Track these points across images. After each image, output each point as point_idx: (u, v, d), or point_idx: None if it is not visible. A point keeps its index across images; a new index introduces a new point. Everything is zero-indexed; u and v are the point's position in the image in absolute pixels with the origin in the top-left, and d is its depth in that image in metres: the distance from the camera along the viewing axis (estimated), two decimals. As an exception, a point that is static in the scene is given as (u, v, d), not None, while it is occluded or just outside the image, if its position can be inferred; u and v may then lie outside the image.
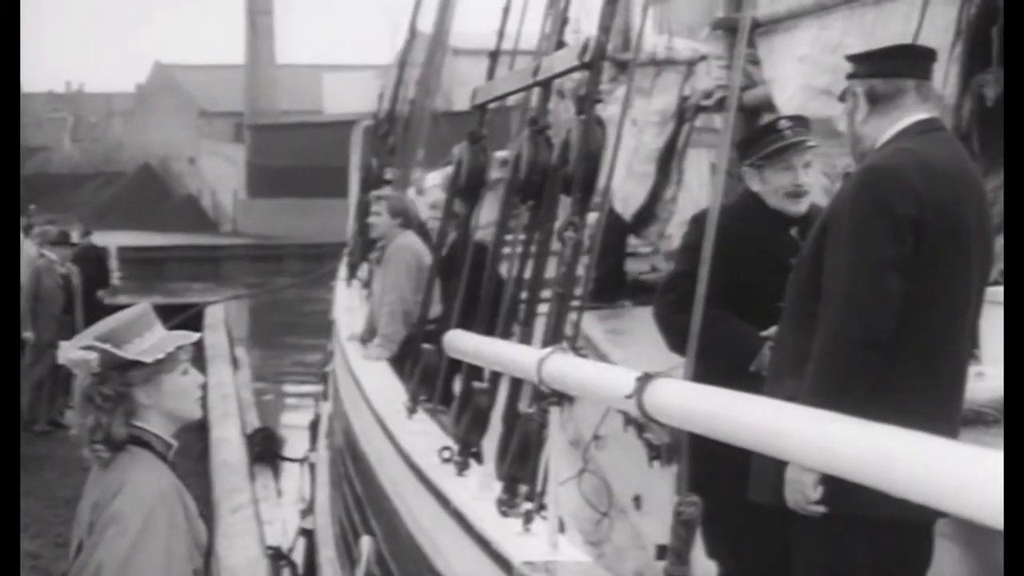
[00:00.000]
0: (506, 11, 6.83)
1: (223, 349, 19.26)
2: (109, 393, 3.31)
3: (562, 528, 3.50)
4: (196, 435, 13.50)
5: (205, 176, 59.56)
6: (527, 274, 4.62)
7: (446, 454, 4.50)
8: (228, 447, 12.96)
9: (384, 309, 7.63)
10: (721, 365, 3.78)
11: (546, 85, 4.87)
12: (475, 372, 4.70)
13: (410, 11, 13.10)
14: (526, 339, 4.42)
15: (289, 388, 20.58)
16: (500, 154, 7.38)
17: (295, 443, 13.54)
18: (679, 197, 8.88)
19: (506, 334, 4.67)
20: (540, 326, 4.26)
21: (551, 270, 4.41)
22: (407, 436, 5.14)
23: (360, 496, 6.33)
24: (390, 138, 12.53)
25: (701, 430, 2.35)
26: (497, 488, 3.84)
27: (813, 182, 4.47)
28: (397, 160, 12.44)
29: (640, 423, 5.46)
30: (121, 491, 3.27)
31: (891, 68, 3.60)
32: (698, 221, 4.42)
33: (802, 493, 3.37)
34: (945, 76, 4.84)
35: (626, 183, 8.59)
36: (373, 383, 6.66)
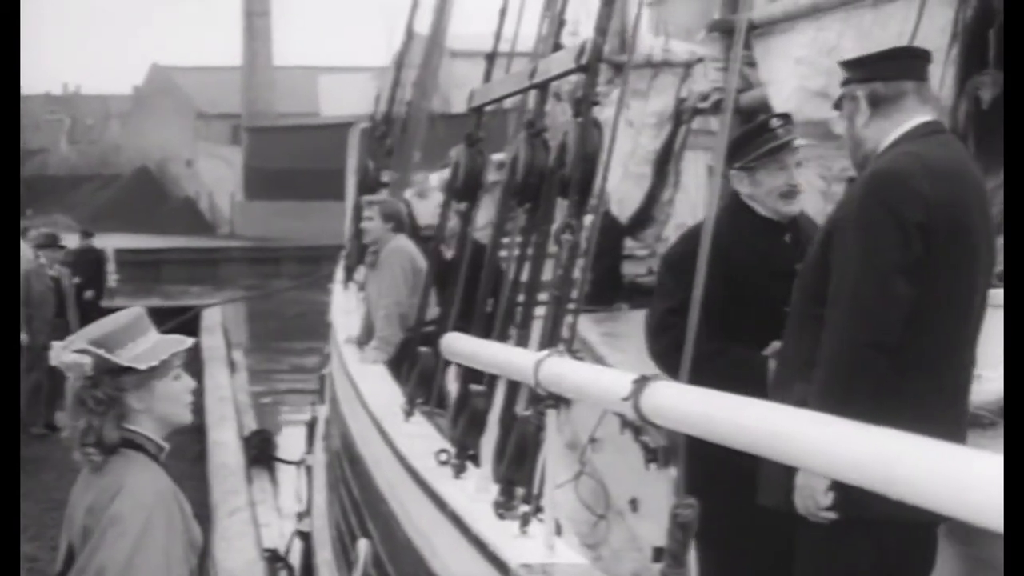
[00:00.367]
0: (503, 13, 6.83)
1: (220, 352, 19.25)
2: (101, 397, 3.31)
3: (559, 531, 3.50)
4: (193, 438, 13.50)
5: (202, 178, 59.53)
6: (524, 277, 4.62)
7: (443, 457, 4.50)
8: (225, 450, 12.96)
9: (380, 313, 7.66)
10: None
11: (543, 87, 4.87)
12: (472, 374, 4.70)
13: (407, 13, 13.11)
14: (523, 342, 4.41)
15: (286, 391, 20.57)
16: (497, 156, 7.38)
17: (292, 445, 13.54)
18: (676, 199, 8.88)
19: (503, 337, 4.66)
20: (537, 329, 4.26)
21: (548, 272, 4.41)
22: (404, 439, 5.14)
23: (357, 499, 6.33)
24: (387, 140, 12.53)
25: (698, 432, 2.35)
26: (494, 491, 3.84)
27: (805, 182, 4.47)
28: (394, 162, 12.44)
29: (637, 426, 5.45)
30: (119, 493, 3.28)
31: (892, 70, 3.59)
32: (684, 238, 4.38)
33: (813, 499, 3.37)
34: (941, 78, 4.83)
35: (622, 185, 8.60)
36: (370, 386, 6.66)
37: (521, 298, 4.66)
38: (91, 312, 13.39)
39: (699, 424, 2.34)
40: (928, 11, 4.99)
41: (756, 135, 4.32)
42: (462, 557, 3.74)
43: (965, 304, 3.47)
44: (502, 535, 3.57)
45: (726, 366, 3.96)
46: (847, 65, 3.71)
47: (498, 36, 6.77)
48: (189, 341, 3.52)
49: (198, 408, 14.66)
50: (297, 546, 9.92)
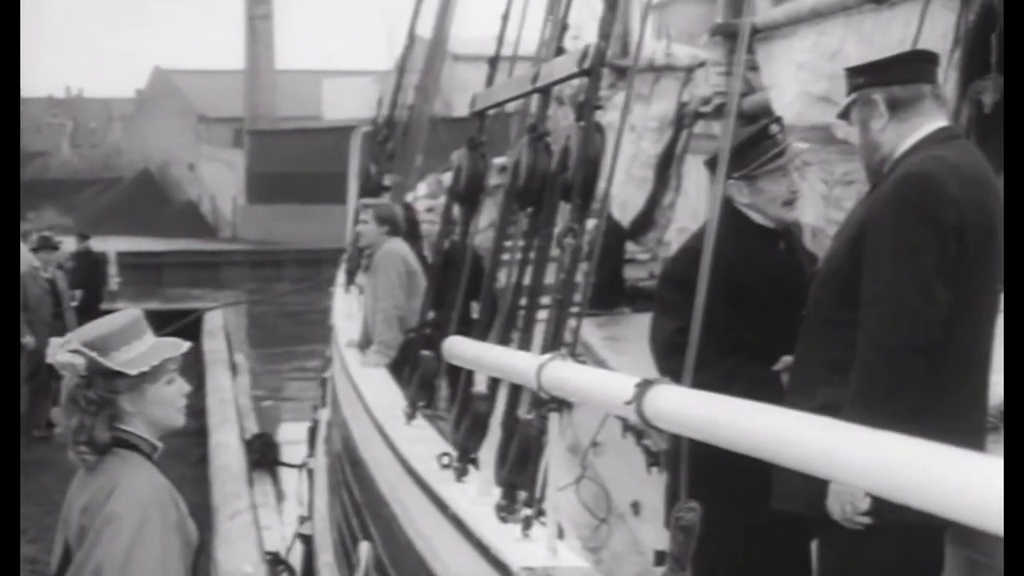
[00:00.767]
0: (505, 17, 6.84)
1: (222, 355, 19.26)
2: (93, 397, 3.34)
3: (561, 534, 3.50)
4: (195, 441, 13.51)
5: (204, 182, 59.54)
6: (526, 280, 4.63)
7: (445, 460, 4.50)
8: (227, 453, 12.97)
9: (378, 316, 7.67)
10: None
11: (545, 92, 4.87)
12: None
13: (409, 17, 13.11)
14: (525, 345, 4.41)
15: (288, 394, 20.58)
16: (499, 160, 7.39)
17: (293, 449, 13.54)
18: (677, 204, 8.89)
19: (505, 340, 4.67)
20: (539, 332, 4.26)
21: (550, 276, 4.41)
22: (406, 442, 5.14)
23: (359, 502, 6.33)
24: (389, 144, 12.53)
25: (701, 436, 2.35)
26: (496, 494, 3.84)
27: (806, 186, 4.46)
28: (396, 166, 12.44)
29: (639, 430, 5.46)
30: (115, 492, 3.30)
31: (910, 73, 3.59)
32: (684, 255, 4.33)
33: (852, 504, 3.35)
34: (943, 83, 4.84)
35: (624, 189, 8.60)
36: (372, 389, 6.66)
37: (524, 302, 4.66)
38: (88, 315, 13.42)
39: (702, 428, 2.34)
40: (930, 16, 4.99)
41: (757, 142, 4.27)
42: (464, 560, 3.75)
43: (994, 307, 3.47)
44: (504, 538, 3.57)
45: (742, 388, 3.90)
46: (863, 69, 3.68)
47: (500, 40, 6.77)
48: (184, 346, 3.52)
49: (200, 411, 14.71)
50: (298, 549, 9.92)
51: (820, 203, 5.85)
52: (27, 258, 14.07)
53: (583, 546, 5.29)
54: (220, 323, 22.71)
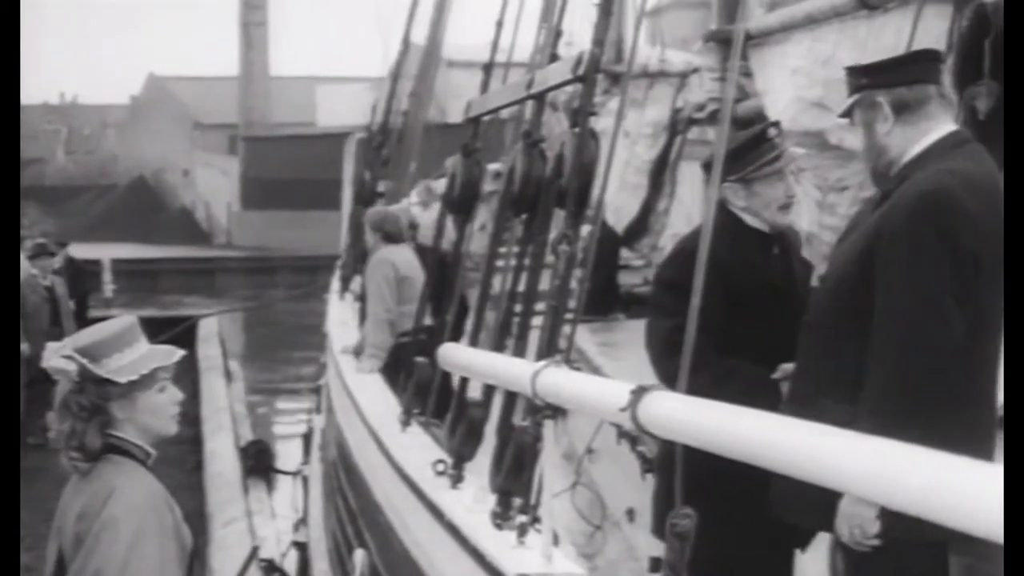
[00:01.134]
0: (500, 24, 6.84)
1: (217, 362, 19.23)
2: (85, 403, 3.35)
3: (556, 541, 3.50)
4: (189, 447, 13.49)
5: (199, 188, 59.49)
6: (521, 287, 4.62)
7: (440, 467, 4.50)
8: (221, 460, 12.94)
9: (368, 320, 7.77)
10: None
11: (540, 98, 4.88)
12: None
13: (403, 23, 13.12)
14: (520, 352, 4.41)
15: (282, 401, 20.56)
16: (493, 166, 7.39)
17: (288, 456, 13.53)
18: (672, 209, 8.89)
19: (499, 347, 4.66)
20: (534, 339, 4.26)
21: (545, 282, 4.41)
22: (401, 449, 5.14)
23: (354, 509, 6.32)
24: (383, 150, 12.53)
25: (696, 443, 2.35)
26: (491, 501, 3.84)
27: (801, 191, 4.45)
28: (391, 172, 12.44)
29: (633, 436, 5.46)
30: (111, 498, 3.30)
31: (915, 74, 3.49)
32: (676, 257, 4.29)
33: (861, 528, 3.32)
34: (938, 88, 4.83)
35: (619, 195, 8.61)
36: (366, 396, 6.66)
37: (518, 308, 4.66)
38: (79, 322, 13.39)
39: (697, 435, 2.34)
40: (923, 22, 4.99)
41: (754, 146, 4.24)
42: (459, 567, 3.74)
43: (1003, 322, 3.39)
44: (499, 545, 3.57)
45: (740, 388, 3.81)
46: (865, 70, 3.58)
47: (495, 46, 6.78)
48: (177, 354, 3.52)
49: (194, 418, 14.68)
50: (293, 556, 9.91)
51: (814, 209, 5.84)
52: (24, 266, 14.06)
53: (578, 553, 5.28)
54: (215, 330, 22.68)
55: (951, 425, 3.17)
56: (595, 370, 6.67)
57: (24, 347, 13.17)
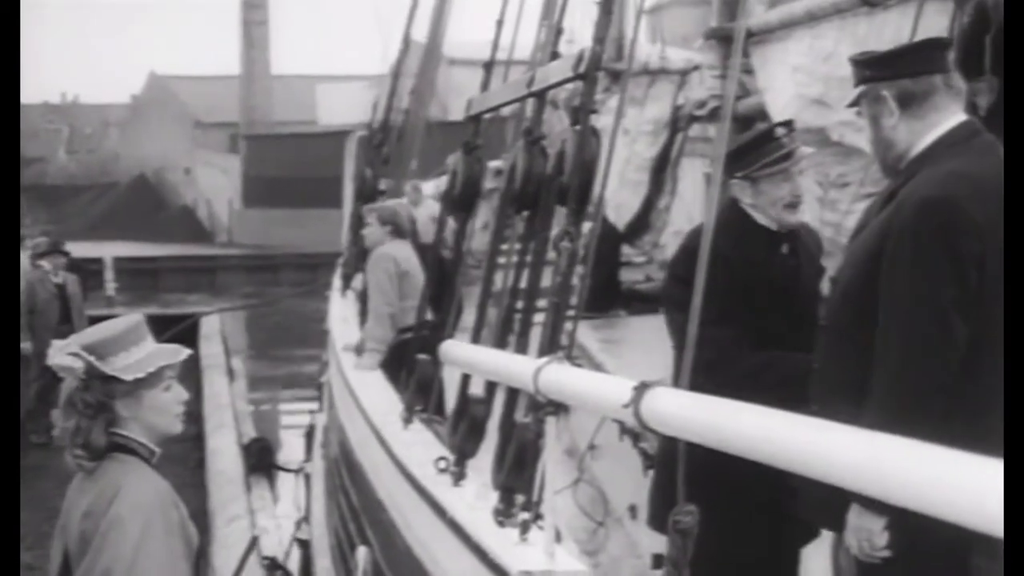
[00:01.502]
0: (500, 22, 6.84)
1: (219, 360, 19.24)
2: (90, 401, 3.35)
3: (558, 538, 3.51)
4: (193, 445, 13.50)
5: (200, 186, 59.46)
6: (523, 284, 4.63)
7: (442, 464, 4.50)
8: (224, 458, 12.95)
9: (369, 315, 7.76)
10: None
11: (541, 96, 4.88)
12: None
13: (404, 21, 13.11)
14: (522, 349, 4.42)
15: (284, 399, 20.57)
16: (494, 164, 7.40)
17: (290, 453, 13.54)
18: (672, 206, 8.90)
19: (501, 344, 4.67)
20: (536, 336, 4.26)
21: (546, 279, 4.41)
22: (403, 446, 5.14)
23: (356, 506, 6.33)
24: (384, 148, 12.53)
25: (698, 439, 2.35)
26: (493, 498, 3.84)
27: (805, 191, 4.44)
28: (391, 170, 12.43)
29: (635, 433, 5.46)
30: (117, 496, 3.30)
31: (919, 65, 3.43)
32: (686, 251, 4.26)
33: (869, 541, 3.30)
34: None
35: (619, 192, 8.62)
36: (368, 393, 6.66)
37: (520, 305, 4.67)
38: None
39: (700, 431, 2.35)
40: (924, 18, 4.99)
41: (761, 144, 4.25)
42: (462, 565, 3.75)
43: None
44: (502, 542, 3.58)
45: (774, 382, 3.82)
46: (868, 63, 3.53)
47: (496, 44, 6.78)
48: (184, 353, 3.52)
49: (197, 416, 14.69)
50: (296, 554, 9.91)
51: (815, 205, 5.85)
52: (24, 265, 14.05)
53: (581, 549, 5.29)
54: (217, 328, 22.69)
55: (953, 431, 3.15)
56: (597, 366, 6.67)
57: (27, 345, 13.18)
